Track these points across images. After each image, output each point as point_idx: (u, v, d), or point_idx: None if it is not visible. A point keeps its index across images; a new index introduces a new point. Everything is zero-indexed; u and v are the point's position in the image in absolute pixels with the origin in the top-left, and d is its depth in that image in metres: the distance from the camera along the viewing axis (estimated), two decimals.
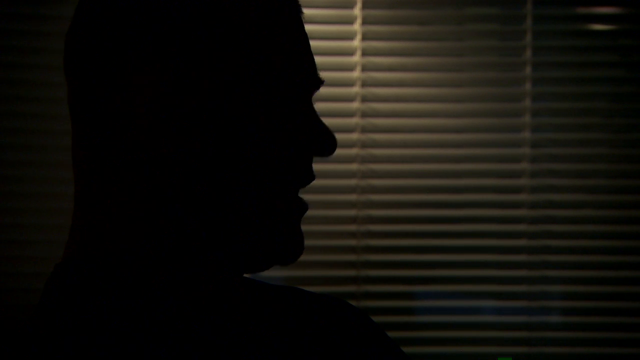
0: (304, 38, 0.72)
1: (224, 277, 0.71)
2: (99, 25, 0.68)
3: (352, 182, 2.06)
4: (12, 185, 2.02)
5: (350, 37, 2.07)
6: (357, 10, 2.06)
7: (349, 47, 2.06)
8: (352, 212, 2.06)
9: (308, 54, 0.72)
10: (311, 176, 0.72)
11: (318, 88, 0.74)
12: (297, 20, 0.72)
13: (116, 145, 0.68)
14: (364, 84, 2.07)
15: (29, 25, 2.02)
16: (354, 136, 2.06)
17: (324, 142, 0.71)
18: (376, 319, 0.85)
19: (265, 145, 0.68)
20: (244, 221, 0.68)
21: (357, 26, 2.06)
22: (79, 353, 0.65)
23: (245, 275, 0.75)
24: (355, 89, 2.06)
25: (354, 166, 2.06)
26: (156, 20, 0.66)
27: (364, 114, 2.07)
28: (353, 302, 2.02)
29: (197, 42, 0.66)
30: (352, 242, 2.06)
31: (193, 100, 0.66)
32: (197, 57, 0.66)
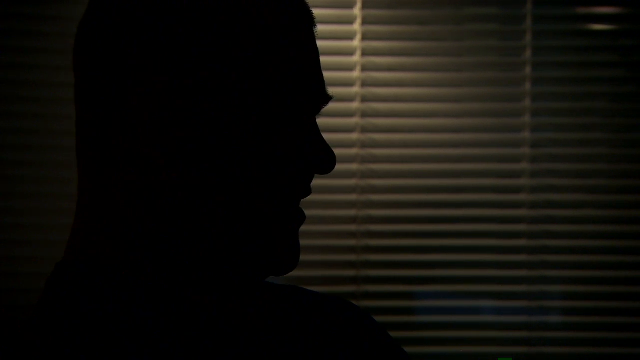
0: (315, 53, 0.71)
1: (222, 282, 0.71)
2: (106, 24, 0.68)
3: (352, 182, 2.06)
4: (12, 185, 2.02)
5: (350, 37, 2.07)
6: (357, 10, 2.06)
7: (349, 47, 2.06)
8: (352, 212, 2.06)
9: (317, 69, 0.71)
10: (307, 191, 0.72)
11: (325, 104, 0.73)
12: (309, 34, 0.71)
13: (118, 146, 0.68)
14: (364, 84, 2.07)
15: (29, 25, 2.02)
16: (354, 136, 2.06)
17: (324, 161, 0.71)
18: (376, 319, 0.85)
19: (264, 157, 0.67)
20: (241, 230, 0.68)
21: (357, 26, 2.06)
22: (79, 353, 0.65)
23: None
24: (355, 89, 2.06)
25: (354, 166, 2.06)
26: (162, 24, 0.66)
27: (364, 114, 2.07)
28: (353, 302, 2.02)
29: (202, 48, 0.66)
30: (352, 242, 2.06)
31: (195, 106, 0.66)
32: (201, 63, 0.66)
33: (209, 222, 0.67)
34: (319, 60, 0.72)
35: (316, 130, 0.71)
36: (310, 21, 0.72)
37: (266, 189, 0.68)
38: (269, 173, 0.68)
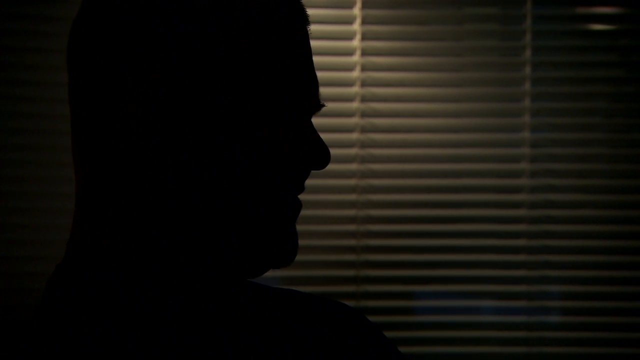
0: (308, 51, 0.71)
1: (222, 279, 0.72)
2: (100, 24, 0.68)
3: (352, 182, 2.06)
4: (12, 185, 2.02)
5: (350, 37, 2.07)
6: (356, 10, 2.06)
7: (348, 47, 2.06)
8: (351, 212, 2.06)
9: (310, 66, 0.71)
10: (300, 188, 0.72)
11: (320, 109, 0.73)
12: (303, 32, 0.71)
13: (114, 146, 0.68)
14: (364, 83, 2.07)
15: (29, 25, 2.02)
16: (354, 136, 2.06)
17: (318, 157, 0.71)
18: (375, 319, 0.85)
19: (259, 153, 0.67)
20: (238, 226, 0.68)
21: (356, 26, 2.06)
22: (80, 353, 0.65)
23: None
24: (355, 89, 2.06)
25: (353, 166, 2.06)
26: (157, 23, 0.66)
27: (364, 114, 2.07)
28: (352, 302, 2.02)
29: (196, 47, 0.66)
30: (352, 242, 2.06)
31: (190, 105, 0.66)
32: (196, 62, 0.66)
33: (206, 218, 0.68)
34: (312, 57, 0.72)
35: (311, 127, 0.71)
36: (304, 19, 0.72)
37: (262, 185, 0.68)
38: (264, 169, 0.68)
